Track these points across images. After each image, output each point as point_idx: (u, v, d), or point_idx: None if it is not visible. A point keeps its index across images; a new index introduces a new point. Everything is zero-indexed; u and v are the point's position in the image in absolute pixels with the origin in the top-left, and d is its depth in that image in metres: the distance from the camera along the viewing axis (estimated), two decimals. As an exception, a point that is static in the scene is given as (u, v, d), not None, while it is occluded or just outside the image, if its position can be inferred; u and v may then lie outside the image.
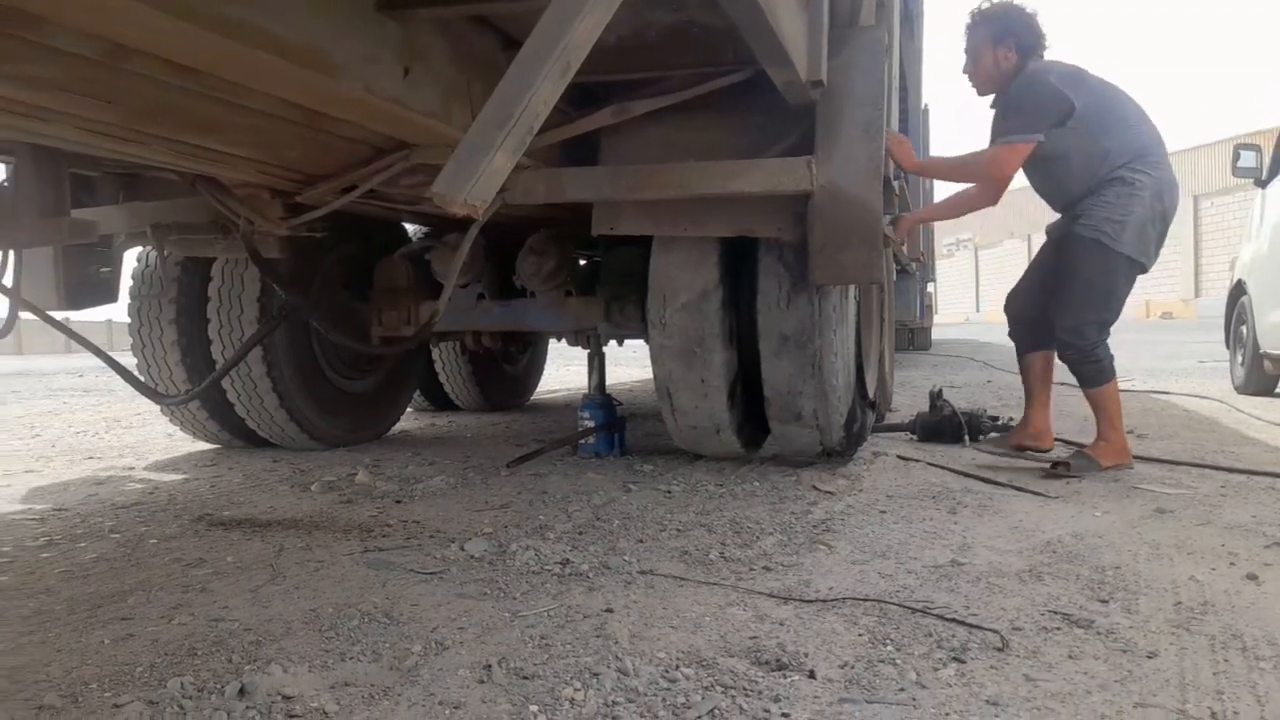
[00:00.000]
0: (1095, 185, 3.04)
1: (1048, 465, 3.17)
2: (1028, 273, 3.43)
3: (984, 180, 3.29)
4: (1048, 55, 3.19)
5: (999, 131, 3.15)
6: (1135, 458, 3.46)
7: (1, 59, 1.67)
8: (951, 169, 3.40)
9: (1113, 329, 3.18)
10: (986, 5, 3.22)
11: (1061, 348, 3.16)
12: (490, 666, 1.51)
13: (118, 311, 3.88)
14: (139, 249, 3.83)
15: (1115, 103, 3.09)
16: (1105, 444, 3.13)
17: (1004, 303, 3.47)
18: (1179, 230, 30.90)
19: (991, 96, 3.26)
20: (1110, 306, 3.10)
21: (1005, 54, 3.14)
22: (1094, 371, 3.12)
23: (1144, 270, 3.09)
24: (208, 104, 2.04)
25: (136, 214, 3.27)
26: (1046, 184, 3.22)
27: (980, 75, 3.25)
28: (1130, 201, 2.97)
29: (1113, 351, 3.17)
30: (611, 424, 3.81)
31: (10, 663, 1.59)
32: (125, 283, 3.81)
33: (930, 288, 13.36)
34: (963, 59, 3.29)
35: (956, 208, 3.59)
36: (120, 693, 1.44)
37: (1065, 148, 3.04)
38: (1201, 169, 30.50)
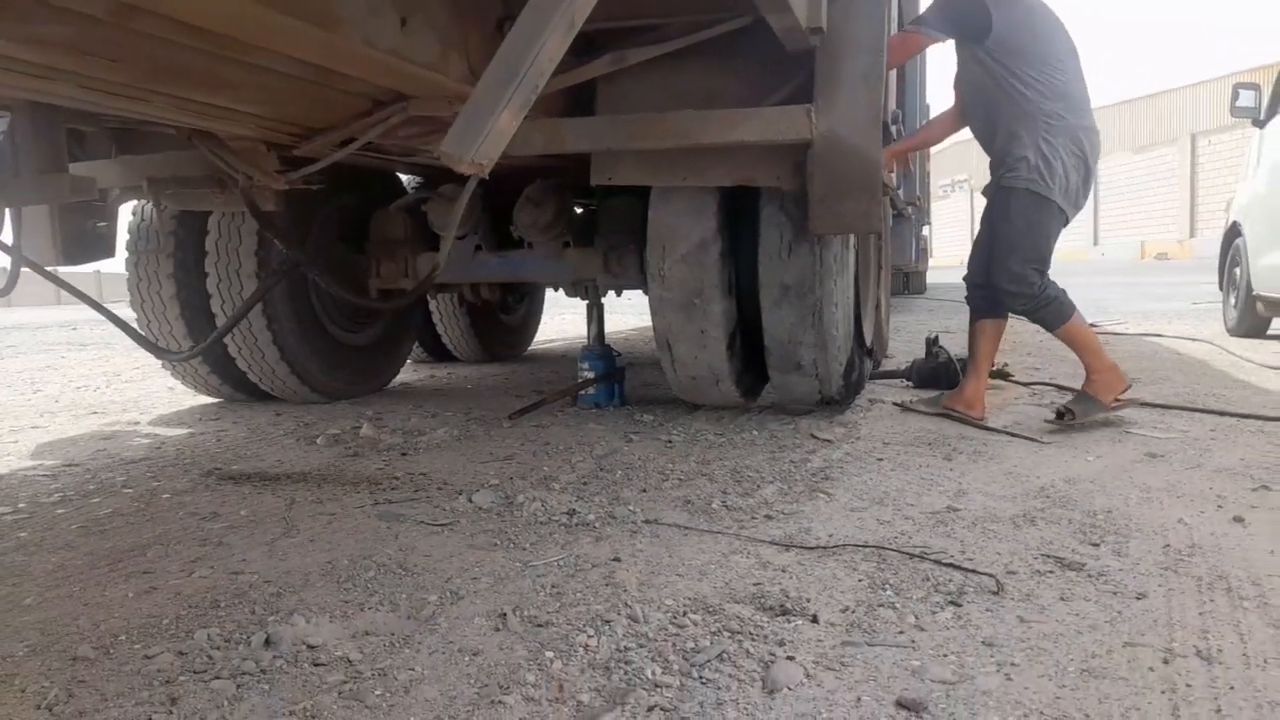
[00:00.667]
0: (1015, 123, 2.98)
1: (1052, 416, 3.12)
2: (977, 240, 3.32)
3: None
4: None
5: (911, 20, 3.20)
6: (1128, 402, 3.52)
7: (10, 19, 1.65)
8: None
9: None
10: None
11: (1011, 300, 3.10)
12: (505, 615, 1.57)
13: (106, 263, 3.87)
14: (134, 203, 3.82)
15: (1045, 33, 3.01)
16: (1097, 377, 3.09)
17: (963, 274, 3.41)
18: (1175, 168, 30.87)
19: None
20: (1044, 251, 3.06)
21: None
22: (1053, 312, 3.08)
23: (1066, 222, 3.07)
24: (212, 61, 2.03)
25: (132, 168, 3.25)
26: (974, 121, 3.21)
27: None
28: (1053, 147, 2.94)
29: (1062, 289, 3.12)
30: (611, 374, 3.85)
31: (40, 616, 1.64)
32: (121, 237, 3.80)
33: (925, 231, 13.31)
34: None
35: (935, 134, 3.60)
36: (150, 644, 1.49)
37: (981, 78, 3.03)
38: (1202, 106, 30.19)
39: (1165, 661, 1.35)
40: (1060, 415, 3.05)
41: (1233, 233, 6.34)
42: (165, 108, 2.38)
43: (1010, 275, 3.05)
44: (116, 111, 2.43)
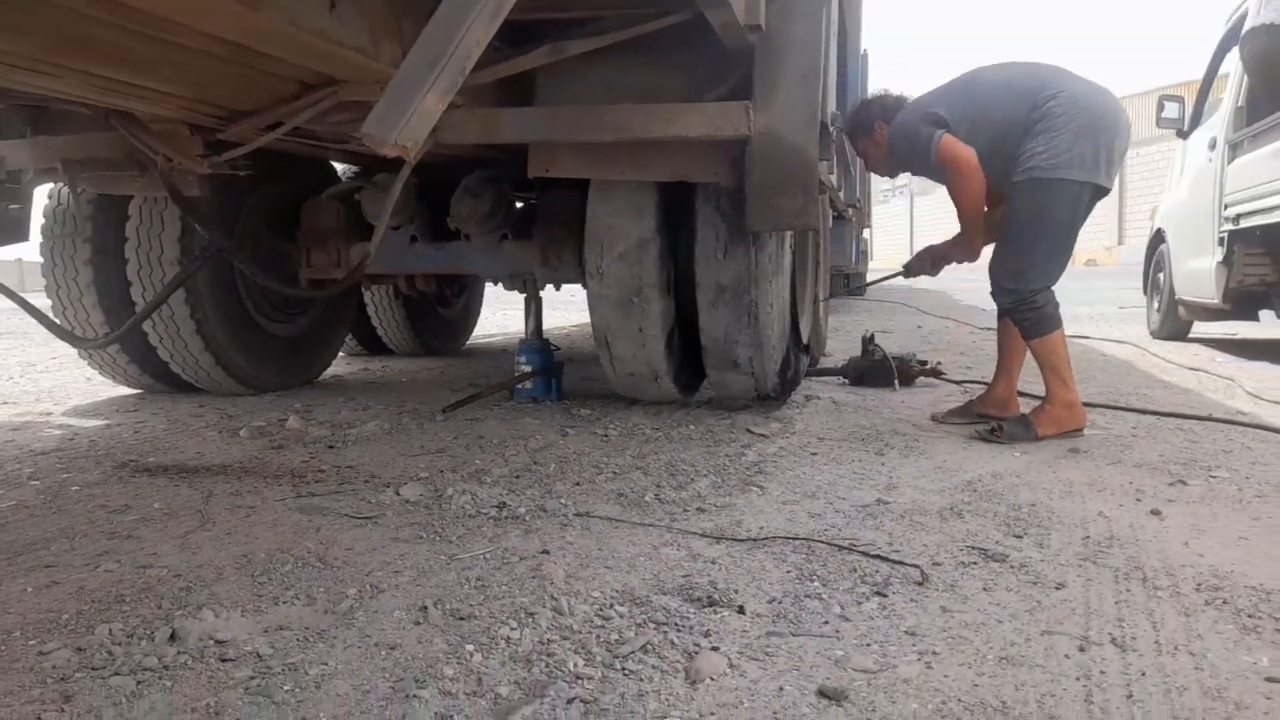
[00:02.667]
0: (1016, 149, 2.85)
1: (987, 427, 2.98)
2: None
3: (966, 180, 2.90)
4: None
5: (916, 171, 3.06)
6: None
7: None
8: (964, 190, 2.96)
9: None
10: (844, 123, 3.19)
11: (1000, 297, 2.98)
12: (426, 608, 1.53)
13: (28, 250, 3.72)
14: (50, 185, 3.66)
15: (977, 80, 2.99)
16: (1052, 410, 2.91)
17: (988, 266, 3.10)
18: (1104, 180, 31.84)
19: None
20: (1054, 246, 2.88)
21: (880, 132, 3.10)
22: (1033, 320, 2.92)
23: (1100, 190, 2.84)
24: (126, 36, 1.95)
25: (46, 149, 3.12)
26: (991, 161, 2.93)
27: (883, 164, 3.23)
28: (1050, 135, 2.79)
29: (1057, 303, 2.95)
30: (549, 369, 3.81)
31: (-74, 613, 1.55)
32: (37, 221, 3.64)
33: (866, 234, 13.51)
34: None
35: (975, 205, 3.02)
36: (46, 640, 1.42)
37: (961, 135, 2.87)
38: (1130, 118, 31.16)
39: (1081, 649, 1.37)
40: (992, 432, 2.91)
41: (1157, 240, 6.55)
42: (78, 84, 2.28)
43: (1008, 270, 2.93)
44: (25, 87, 2.32)
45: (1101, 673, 1.30)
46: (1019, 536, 1.92)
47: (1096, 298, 11.47)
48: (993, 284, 3.01)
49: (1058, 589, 1.62)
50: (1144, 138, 29.68)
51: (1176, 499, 2.20)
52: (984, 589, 1.62)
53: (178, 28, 1.95)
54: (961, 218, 3.08)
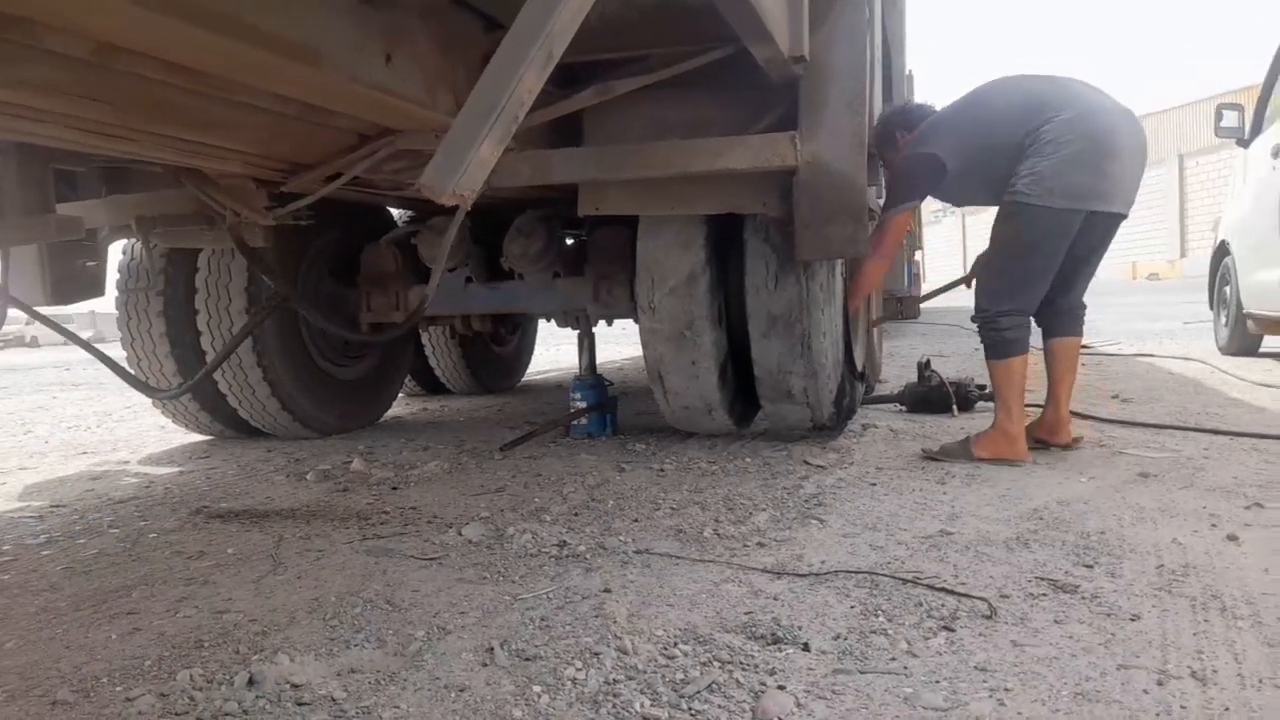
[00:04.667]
0: (1009, 172, 2.85)
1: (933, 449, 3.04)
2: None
3: (889, 253, 3.16)
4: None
5: (886, 203, 3.14)
6: (1120, 422, 3.52)
7: (-6, 62, 1.67)
8: (868, 264, 3.21)
9: (1095, 291, 3.13)
10: (870, 141, 3.17)
11: (975, 313, 3.02)
12: (493, 649, 1.55)
13: (100, 303, 3.87)
14: (124, 241, 3.82)
15: (982, 103, 3.00)
16: (992, 432, 2.93)
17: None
18: (1164, 189, 31.11)
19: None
20: (1027, 272, 2.88)
21: (903, 142, 3.12)
22: (991, 341, 2.95)
23: (1106, 216, 2.84)
24: (198, 100, 2.05)
25: (120, 207, 3.26)
26: (983, 193, 3.06)
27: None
28: (1036, 160, 2.78)
29: (1025, 329, 2.94)
30: (603, 404, 3.84)
31: (20, 660, 1.62)
32: (111, 275, 3.81)
33: (918, 255, 13.38)
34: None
35: (870, 283, 3.49)
36: (131, 686, 1.47)
37: (966, 162, 2.94)
38: (1186, 128, 30.51)
39: (1160, 683, 1.34)
40: (926, 453, 3.03)
41: (1221, 251, 6.38)
42: (152, 147, 2.39)
43: (980, 287, 3.03)
44: (104, 151, 2.44)
45: (1183, 708, 1.26)
46: (1089, 566, 1.87)
47: (1160, 313, 11.17)
48: (1065, 320, 3.08)
49: (1132, 620, 1.58)
50: (1203, 147, 29.04)
51: (1253, 523, 2.13)
52: (1055, 621, 1.59)
53: (245, 89, 2.04)
54: (853, 287, 3.45)
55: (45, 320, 3.28)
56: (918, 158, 3.02)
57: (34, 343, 18.56)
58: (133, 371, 3.78)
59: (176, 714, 1.36)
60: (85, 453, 4.09)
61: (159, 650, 1.63)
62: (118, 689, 1.47)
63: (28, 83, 1.83)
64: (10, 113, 1.99)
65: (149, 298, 3.75)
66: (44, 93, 1.91)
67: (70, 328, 3.40)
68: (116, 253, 3.88)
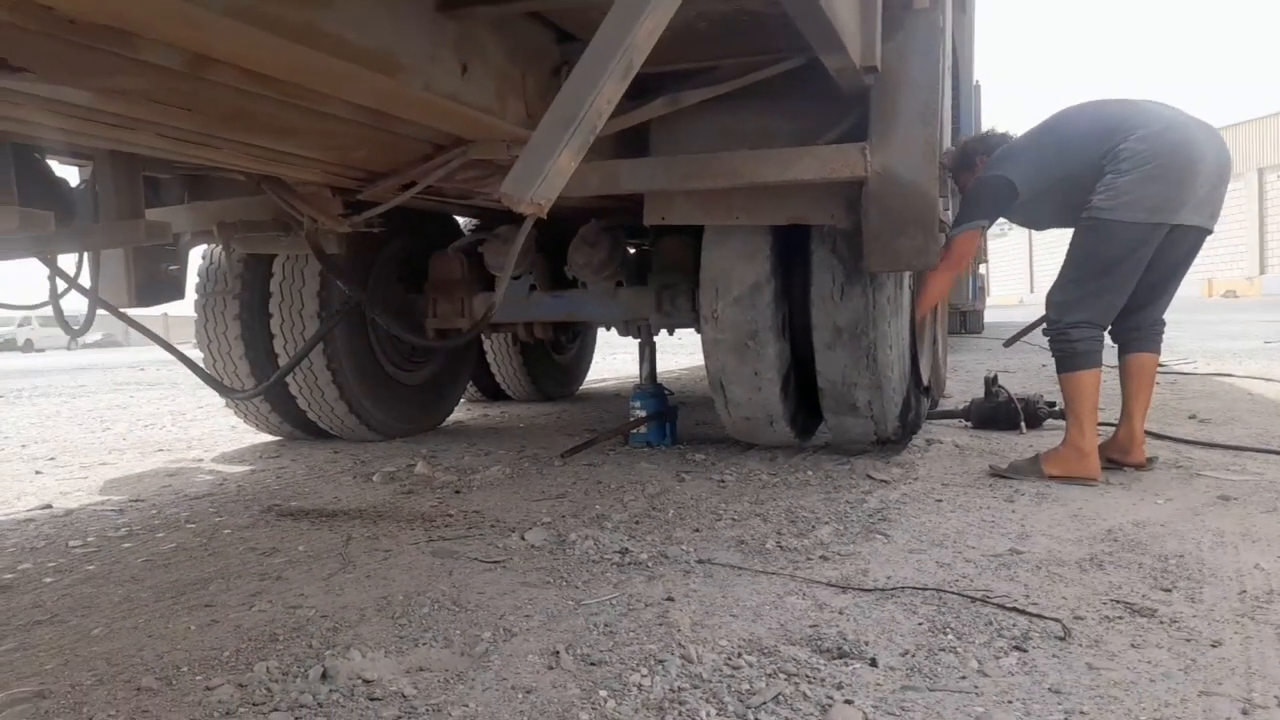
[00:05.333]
0: (1090, 194, 2.81)
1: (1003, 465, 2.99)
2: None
3: (954, 268, 3.12)
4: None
5: (955, 221, 3.10)
6: (1197, 443, 3.40)
7: (94, 73, 1.75)
8: (933, 278, 3.20)
9: (1169, 308, 3.04)
10: (947, 159, 3.21)
11: (1046, 325, 3.00)
12: (558, 653, 1.56)
13: (173, 306, 4.00)
14: (204, 246, 3.96)
15: (1059, 128, 2.97)
16: (1062, 449, 2.88)
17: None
18: (1242, 203, 30.07)
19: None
20: (1101, 286, 2.83)
21: (981, 166, 3.10)
22: (1061, 353, 2.92)
23: (1189, 230, 2.77)
24: (280, 109, 2.12)
25: (203, 213, 3.39)
26: (1059, 218, 3.05)
27: None
28: (1113, 177, 2.75)
29: (1098, 342, 2.89)
30: (663, 413, 3.84)
31: (107, 647, 1.68)
32: (191, 279, 3.94)
33: (982, 269, 13.14)
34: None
35: (933, 298, 3.42)
36: (211, 676, 1.52)
37: (1039, 188, 2.91)
38: (1267, 140, 29.45)
39: (1244, 712, 1.29)
40: (994, 469, 2.98)
41: (1305, 269, 6.13)
42: (235, 154, 2.48)
43: (1051, 300, 2.98)
44: (190, 158, 2.54)
45: (1271, 740, 1.22)
46: (1168, 590, 1.82)
47: (1239, 331, 10.78)
48: (1138, 336, 3.01)
49: (1214, 647, 1.53)
50: (1284, 160, 28.00)
51: (1344, 551, 2.05)
52: (1132, 645, 1.54)
53: (324, 98, 2.11)
54: (923, 295, 3.33)
55: (129, 320, 3.41)
56: (989, 180, 3.00)
57: (28, 346, 18.85)
58: (209, 372, 3.91)
59: (255, 704, 1.40)
60: (161, 450, 4.24)
61: (236, 642, 1.68)
62: (198, 678, 1.52)
63: (124, 92, 1.92)
64: (108, 121, 2.09)
65: (226, 301, 3.88)
66: (139, 102, 1.99)
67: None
68: (196, 258, 4.03)
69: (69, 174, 3.32)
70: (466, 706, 1.38)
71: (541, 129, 1.42)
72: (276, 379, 3.63)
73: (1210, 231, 2.85)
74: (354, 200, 3.08)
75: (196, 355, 3.97)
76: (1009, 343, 3.85)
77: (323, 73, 1.90)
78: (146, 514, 2.84)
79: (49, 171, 2.79)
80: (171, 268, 3.73)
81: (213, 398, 5.80)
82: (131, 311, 3.52)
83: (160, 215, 3.22)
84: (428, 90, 2.11)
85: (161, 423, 5.40)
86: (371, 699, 1.41)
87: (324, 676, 1.47)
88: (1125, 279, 2.84)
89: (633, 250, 4.32)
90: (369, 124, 2.35)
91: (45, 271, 3.15)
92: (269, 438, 4.39)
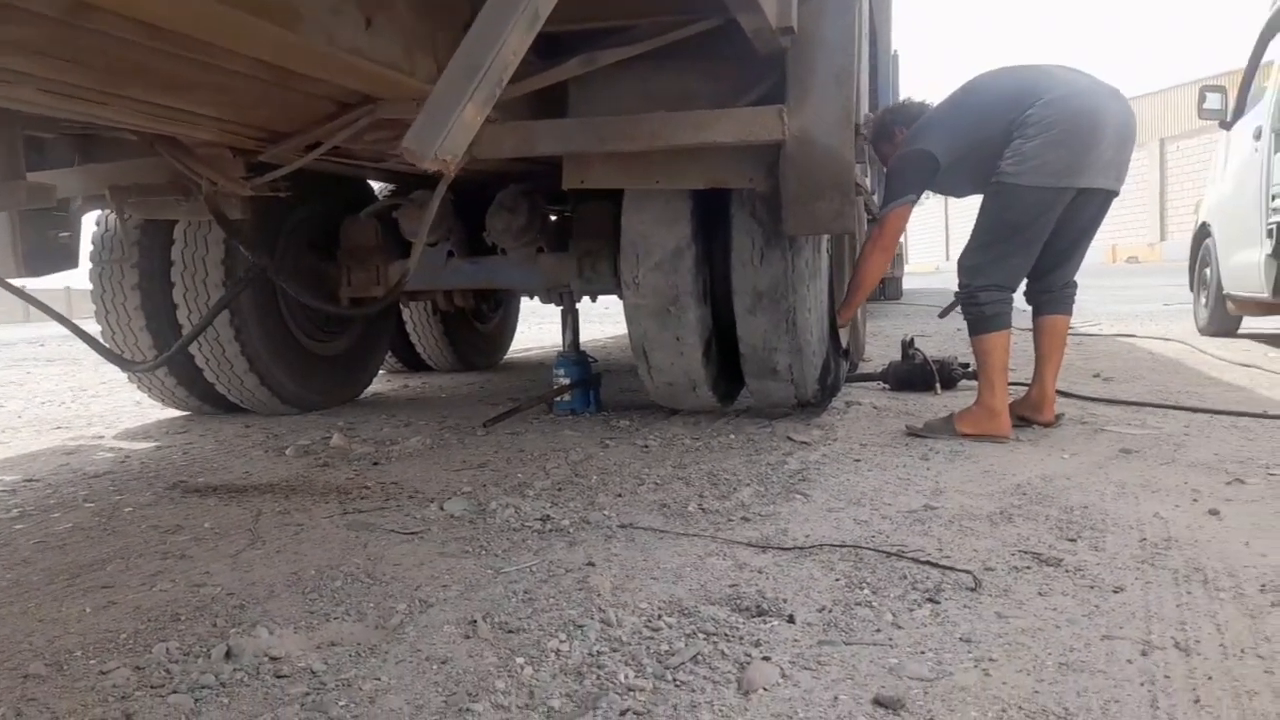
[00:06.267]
0: (998, 159, 2.87)
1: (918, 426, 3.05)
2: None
3: (889, 246, 3.21)
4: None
5: (883, 199, 3.15)
6: (1102, 400, 3.54)
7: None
8: (870, 258, 3.26)
9: (1079, 274, 3.14)
10: (866, 129, 3.25)
11: (957, 289, 3.07)
12: (475, 622, 1.53)
13: (75, 278, 3.80)
14: (98, 212, 3.75)
15: (974, 94, 3.03)
16: (975, 409, 2.95)
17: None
18: (1145, 173, 31.30)
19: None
20: (1007, 249, 2.90)
21: (900, 137, 3.16)
22: (973, 317, 2.98)
23: (1095, 193, 2.85)
24: (172, 62, 1.99)
25: (94, 176, 3.20)
26: (974, 185, 3.07)
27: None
28: (1019, 142, 2.81)
29: (1006, 304, 2.95)
30: (587, 380, 3.81)
31: (-10, 634, 1.59)
32: (85, 248, 3.73)
33: (900, 237, 13.41)
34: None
35: (873, 277, 3.40)
36: (105, 660, 1.44)
37: (956, 156, 2.96)
38: (1168, 111, 30.66)
39: (1143, 654, 1.34)
40: (913, 433, 3.02)
41: (1202, 233, 6.41)
42: (125, 111, 2.33)
43: (961, 264, 3.05)
44: (75, 115, 2.38)
45: (1166, 677, 1.26)
46: (1073, 540, 1.88)
47: (1140, 295, 11.26)
48: (1048, 298, 3.10)
49: (1116, 593, 1.58)
50: (1183, 131, 29.22)
51: (1234, 498, 2.15)
52: (1039, 594, 1.59)
53: (219, 51, 1.99)
54: (856, 281, 3.40)
55: (18, 292, 3.21)
56: (911, 154, 3.04)
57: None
58: (107, 345, 3.72)
59: (153, 686, 1.33)
60: (60, 428, 4.03)
61: (134, 624, 1.60)
62: (91, 662, 1.44)
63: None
64: (-21, 74, 1.93)
65: (124, 270, 3.68)
66: (13, 53, 1.85)
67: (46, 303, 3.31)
68: (91, 224, 3.81)
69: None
70: (379, 680, 1.34)
71: (444, 82, 1.36)
72: (177, 349, 3.47)
73: (1116, 194, 2.94)
74: (256, 162, 2.94)
75: (95, 328, 3.77)
76: (944, 313, 3.91)
77: (216, 23, 1.79)
78: (41, 494, 2.69)
79: (-85, 129, 2.59)
80: (63, 235, 3.53)
81: (116, 374, 5.53)
82: (32, 283, 3.32)
83: (46, 178, 3.03)
84: (330, 44, 2.01)
85: (61, 399, 5.13)
86: (278, 676, 1.36)
87: (228, 655, 1.41)
88: (1032, 243, 2.91)
89: (553, 217, 4.25)
90: (269, 80, 2.24)
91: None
92: (176, 413, 4.21)
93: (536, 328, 9.62)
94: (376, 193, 4.66)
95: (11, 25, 1.70)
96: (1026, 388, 3.20)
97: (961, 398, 3.80)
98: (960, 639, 1.41)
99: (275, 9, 1.82)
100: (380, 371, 5.24)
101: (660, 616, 1.53)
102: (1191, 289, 6.71)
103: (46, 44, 1.83)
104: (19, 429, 4.05)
